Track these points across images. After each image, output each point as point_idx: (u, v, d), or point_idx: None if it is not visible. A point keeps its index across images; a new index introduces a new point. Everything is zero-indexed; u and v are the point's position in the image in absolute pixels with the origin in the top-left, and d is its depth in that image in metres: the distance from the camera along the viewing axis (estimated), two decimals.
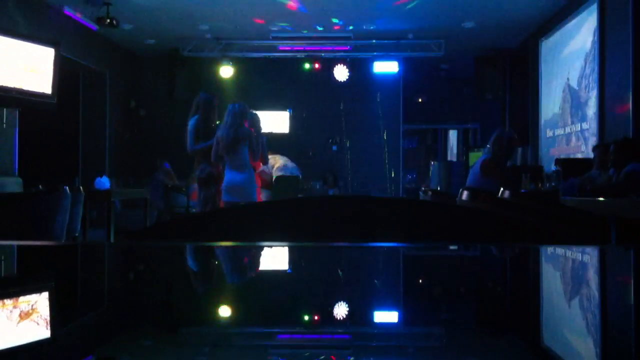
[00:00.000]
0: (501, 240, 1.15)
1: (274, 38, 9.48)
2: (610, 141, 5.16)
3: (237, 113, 5.24)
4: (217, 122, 5.69)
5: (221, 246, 1.11)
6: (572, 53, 7.57)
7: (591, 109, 6.92)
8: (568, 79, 7.73)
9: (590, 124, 6.93)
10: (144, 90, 10.59)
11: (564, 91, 7.90)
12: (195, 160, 5.57)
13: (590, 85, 6.96)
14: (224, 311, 0.67)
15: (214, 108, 5.64)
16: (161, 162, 9.02)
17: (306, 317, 0.66)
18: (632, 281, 0.83)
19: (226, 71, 10.11)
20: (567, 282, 0.83)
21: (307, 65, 10.28)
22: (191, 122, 5.53)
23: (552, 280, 0.86)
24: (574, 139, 7.51)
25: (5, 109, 6.54)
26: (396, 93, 10.69)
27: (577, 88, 7.42)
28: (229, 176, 5.22)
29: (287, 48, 9.96)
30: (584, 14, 7.17)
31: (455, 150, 13.86)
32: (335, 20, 8.64)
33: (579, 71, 7.34)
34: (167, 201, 8.43)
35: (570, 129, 7.63)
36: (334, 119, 10.68)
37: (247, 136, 5.21)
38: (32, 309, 0.61)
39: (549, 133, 8.49)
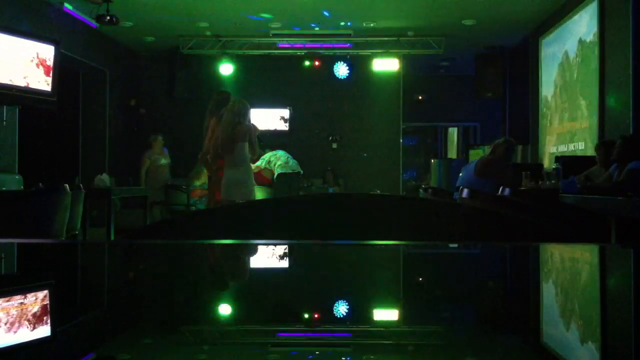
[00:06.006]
0: (501, 238, 1.15)
1: (274, 35, 9.46)
2: (610, 140, 5.15)
3: (235, 111, 5.22)
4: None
5: (219, 244, 1.11)
6: (572, 51, 7.55)
7: (590, 107, 6.91)
8: (567, 76, 7.72)
9: (590, 122, 6.92)
10: (143, 88, 10.58)
11: (563, 88, 7.90)
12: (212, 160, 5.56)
13: (590, 83, 6.94)
14: (223, 309, 0.67)
15: None
16: (154, 138, 8.83)
17: (303, 315, 0.66)
18: (632, 280, 0.83)
19: (226, 68, 10.10)
20: (567, 281, 0.83)
21: (307, 63, 10.26)
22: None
23: (551, 278, 0.86)
24: (573, 137, 7.50)
25: (5, 107, 6.54)
26: (396, 90, 10.67)
27: (576, 86, 7.41)
28: (227, 174, 5.21)
29: (287, 45, 9.95)
30: (584, 12, 7.15)
31: (455, 148, 13.87)
32: (335, 17, 8.63)
33: (579, 69, 7.33)
34: (168, 199, 8.43)
35: (570, 127, 7.62)
36: (334, 117, 10.67)
37: (246, 134, 5.19)
38: (32, 308, 0.62)
39: (549, 130, 8.49)
